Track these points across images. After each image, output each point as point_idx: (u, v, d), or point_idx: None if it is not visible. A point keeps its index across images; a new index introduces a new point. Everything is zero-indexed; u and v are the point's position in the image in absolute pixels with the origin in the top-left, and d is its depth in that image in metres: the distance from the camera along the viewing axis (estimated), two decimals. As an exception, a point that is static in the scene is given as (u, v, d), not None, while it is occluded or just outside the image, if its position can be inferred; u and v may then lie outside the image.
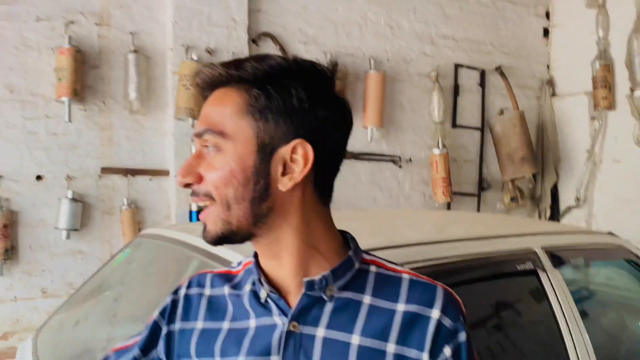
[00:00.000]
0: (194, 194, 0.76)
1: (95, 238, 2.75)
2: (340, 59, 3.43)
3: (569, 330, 1.54)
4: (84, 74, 2.72)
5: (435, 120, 3.82)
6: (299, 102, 0.72)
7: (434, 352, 0.74)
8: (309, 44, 3.38)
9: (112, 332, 1.89)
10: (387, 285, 0.79)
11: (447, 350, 0.74)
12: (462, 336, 0.75)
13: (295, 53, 3.27)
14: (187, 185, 0.75)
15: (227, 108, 0.73)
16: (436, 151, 3.73)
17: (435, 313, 0.75)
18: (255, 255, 0.81)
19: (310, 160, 0.72)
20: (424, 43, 3.85)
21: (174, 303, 0.84)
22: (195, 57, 2.85)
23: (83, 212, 2.70)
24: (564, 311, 1.56)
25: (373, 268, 0.81)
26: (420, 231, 1.78)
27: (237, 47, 3.06)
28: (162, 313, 0.85)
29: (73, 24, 2.72)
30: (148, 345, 0.84)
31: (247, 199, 0.72)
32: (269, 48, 3.23)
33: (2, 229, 2.54)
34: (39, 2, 2.65)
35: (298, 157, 0.73)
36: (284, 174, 0.73)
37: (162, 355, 0.83)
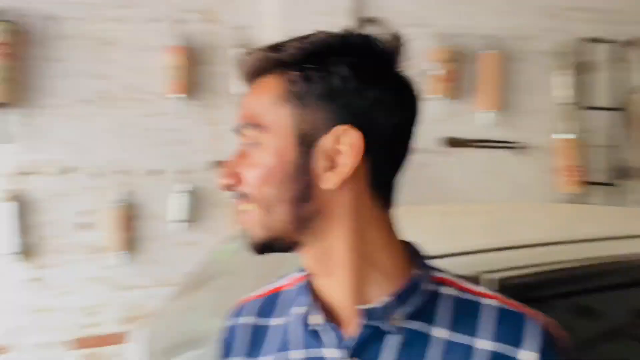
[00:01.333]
0: (235, 196, 0.67)
1: (206, 229, 2.84)
2: (451, 40, 3.23)
3: None
4: (194, 71, 2.80)
5: (560, 102, 3.48)
6: (342, 81, 0.61)
7: None
8: (417, 27, 3.21)
9: (221, 322, 1.93)
10: (465, 314, 0.65)
11: None
12: None
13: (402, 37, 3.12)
14: (229, 187, 0.66)
15: (264, 97, 0.64)
16: (561, 136, 3.40)
17: (529, 355, 0.61)
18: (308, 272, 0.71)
19: (360, 150, 0.61)
20: (547, 17, 3.50)
21: (225, 338, 0.78)
22: (299, 48, 2.81)
23: (194, 204, 2.80)
24: None
25: (446, 290, 0.67)
26: (545, 229, 1.58)
27: (341, 34, 2.99)
28: (223, 354, 0.77)
29: (183, 23, 2.80)
30: None
31: (287, 199, 0.62)
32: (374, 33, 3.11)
33: (126, 221, 2.70)
34: (151, 4, 2.77)
35: (344, 147, 0.61)
36: (329, 169, 0.62)
37: None
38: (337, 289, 0.66)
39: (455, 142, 3.29)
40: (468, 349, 0.62)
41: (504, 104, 3.37)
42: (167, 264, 2.77)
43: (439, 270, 0.69)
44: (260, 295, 0.78)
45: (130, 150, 2.77)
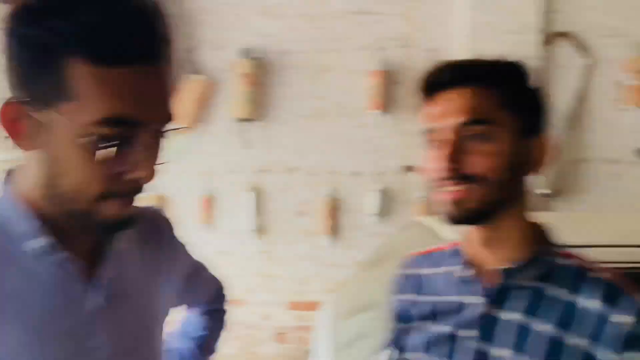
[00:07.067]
0: (454, 178, 0.83)
1: (393, 222, 3.32)
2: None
3: None
4: (391, 90, 3.30)
5: None
6: (542, 99, 0.90)
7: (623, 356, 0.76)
8: (613, 38, 3.20)
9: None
10: (583, 281, 0.82)
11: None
12: None
13: (595, 49, 3.15)
14: (452, 171, 0.83)
15: (488, 101, 0.84)
16: None
17: (628, 319, 0.77)
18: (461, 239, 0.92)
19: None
20: None
21: (397, 280, 1.03)
22: (484, 66, 3.10)
23: (386, 201, 3.31)
24: None
25: (571, 262, 0.85)
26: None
27: (528, 50, 3.16)
28: (397, 290, 1.02)
29: (384, 49, 3.33)
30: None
31: (509, 180, 0.83)
32: (564, 47, 3.22)
33: (330, 211, 3.34)
34: (359, 35, 3.36)
35: (545, 149, 0.86)
36: (533, 162, 0.87)
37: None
38: (492, 254, 0.86)
39: (652, 154, 3.18)
40: (573, 305, 0.80)
41: None
42: (362, 249, 3.32)
43: (568, 248, 0.88)
44: (423, 252, 1.02)
45: (338, 155, 3.40)
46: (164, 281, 0.90)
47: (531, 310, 0.82)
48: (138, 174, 0.63)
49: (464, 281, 0.89)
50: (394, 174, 3.35)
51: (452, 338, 0.88)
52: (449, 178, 0.82)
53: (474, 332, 0.85)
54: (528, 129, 0.85)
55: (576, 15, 3.22)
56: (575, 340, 0.79)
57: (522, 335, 0.81)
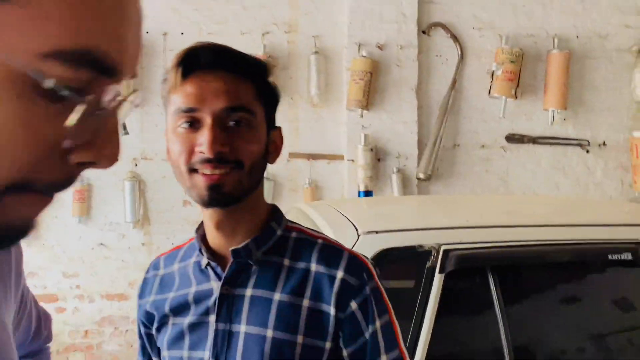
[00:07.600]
0: (222, 161, 0.83)
1: (283, 210, 3.30)
2: (518, 41, 3.36)
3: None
4: (275, 76, 3.26)
5: (638, 100, 3.43)
6: (278, 98, 0.96)
7: (342, 307, 0.85)
8: (484, 29, 3.39)
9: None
10: (304, 248, 0.90)
11: (354, 304, 0.85)
12: (368, 290, 0.86)
13: (469, 39, 3.33)
14: (222, 154, 0.83)
15: (249, 93, 0.87)
16: (637, 134, 3.36)
17: (339, 273, 0.86)
18: (199, 228, 0.93)
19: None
20: (626, 14, 3.47)
21: (141, 286, 1.01)
22: (364, 54, 3.17)
23: (275, 189, 3.28)
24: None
25: (294, 234, 0.92)
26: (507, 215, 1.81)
27: (406, 39, 3.28)
28: (139, 295, 1.01)
29: (268, 34, 3.29)
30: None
31: (262, 168, 0.89)
32: (439, 37, 3.36)
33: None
34: (243, 20, 3.29)
35: (279, 140, 0.94)
36: (273, 152, 0.92)
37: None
38: (230, 238, 0.88)
39: (519, 139, 3.43)
40: (305, 271, 0.87)
41: (576, 102, 3.43)
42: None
43: (293, 222, 0.95)
44: (170, 251, 1.02)
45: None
46: (10, 308, 0.70)
47: (266, 283, 0.87)
48: (93, 153, 0.38)
49: (203, 269, 0.91)
50: (281, 160, 3.31)
51: (193, 327, 0.90)
52: (209, 160, 0.82)
53: (213, 317, 0.88)
54: (271, 122, 0.91)
55: (451, 6, 3.37)
56: (310, 303, 0.86)
57: (259, 309, 0.86)
